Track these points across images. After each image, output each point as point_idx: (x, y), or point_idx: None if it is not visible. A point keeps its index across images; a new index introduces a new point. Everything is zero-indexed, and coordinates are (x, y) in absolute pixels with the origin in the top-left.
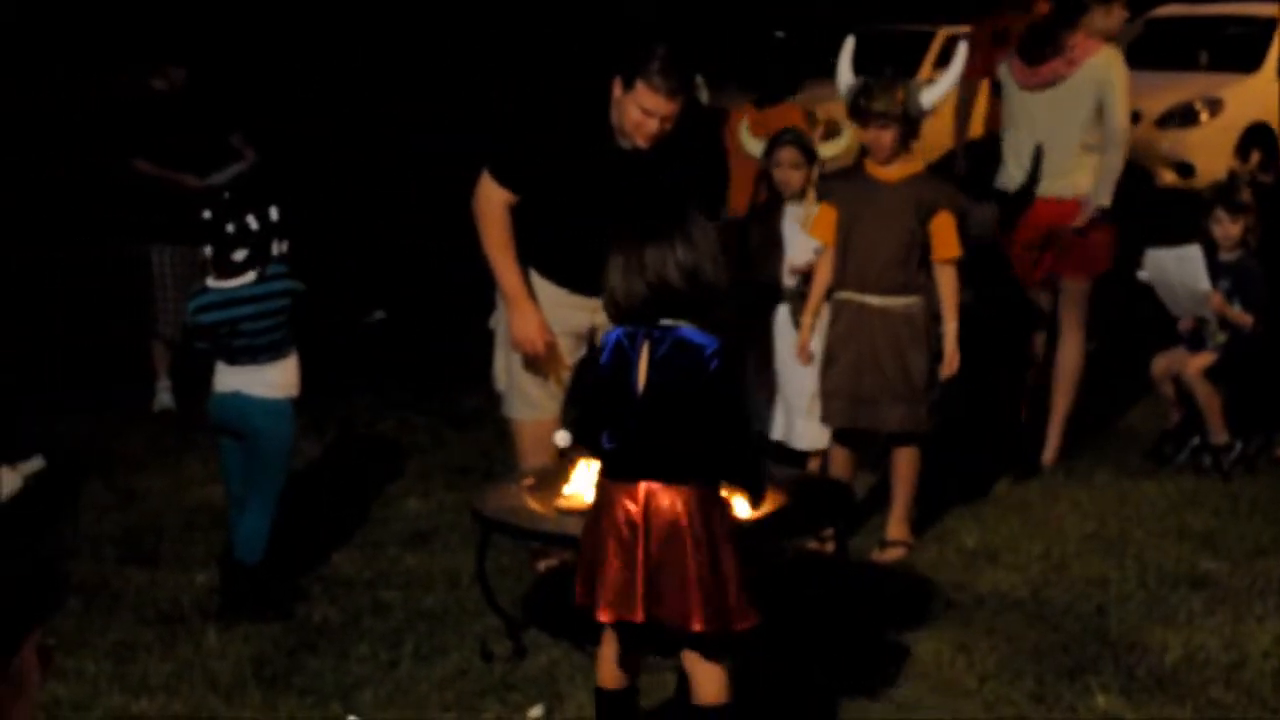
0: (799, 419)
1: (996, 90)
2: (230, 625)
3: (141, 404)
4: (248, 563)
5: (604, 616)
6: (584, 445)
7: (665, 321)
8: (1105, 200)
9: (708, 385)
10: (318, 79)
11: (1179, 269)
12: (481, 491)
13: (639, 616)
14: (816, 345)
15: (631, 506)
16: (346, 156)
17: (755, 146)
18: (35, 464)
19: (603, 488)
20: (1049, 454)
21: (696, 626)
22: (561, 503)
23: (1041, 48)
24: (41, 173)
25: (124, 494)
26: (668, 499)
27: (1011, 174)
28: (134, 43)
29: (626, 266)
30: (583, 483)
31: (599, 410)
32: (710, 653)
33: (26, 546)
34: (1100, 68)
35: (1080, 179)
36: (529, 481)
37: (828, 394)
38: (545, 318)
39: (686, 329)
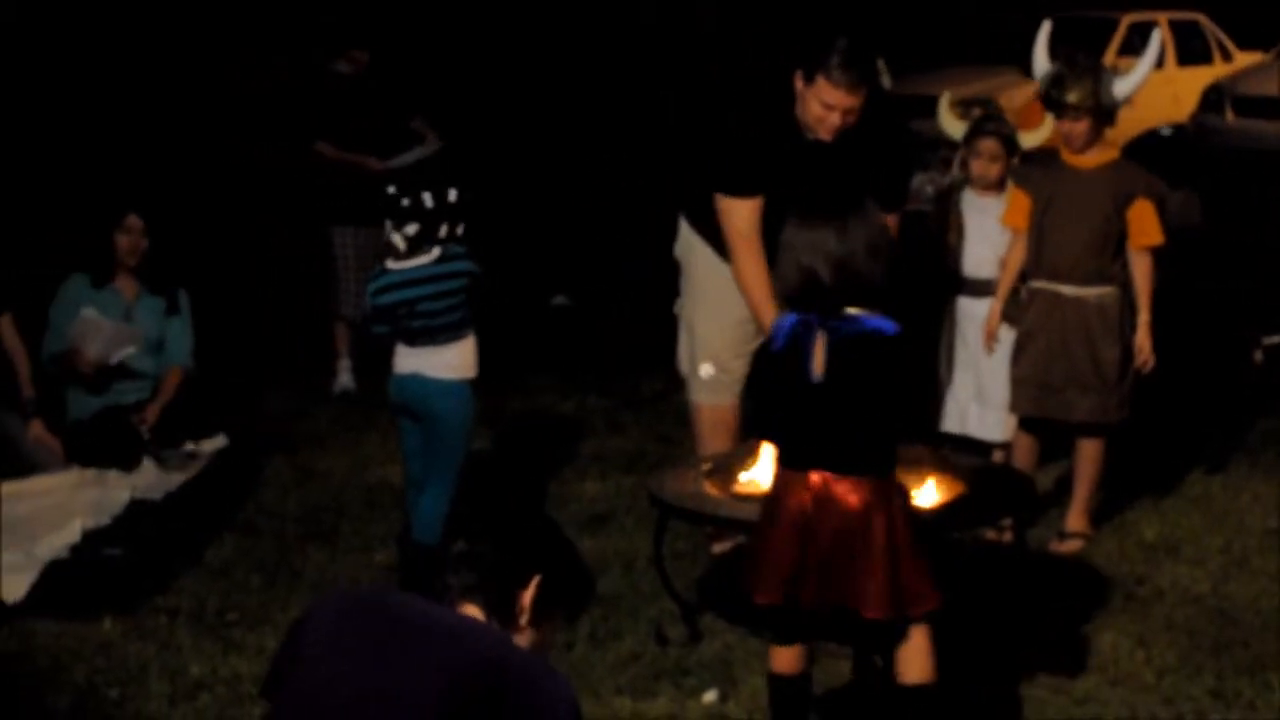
0: (984, 409)
1: None
2: None
3: (323, 384)
4: (426, 543)
5: (762, 599)
6: (761, 433)
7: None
8: None
9: (884, 372)
10: (503, 62)
11: None
12: (659, 475)
13: (808, 602)
14: (1006, 333)
15: (805, 494)
16: (532, 140)
17: (956, 129)
18: (218, 441)
19: (779, 474)
20: None
21: (873, 613)
22: (739, 488)
23: None
24: (226, 155)
25: (305, 472)
26: (843, 487)
27: None
28: (318, 26)
29: (786, 256)
30: (761, 469)
31: (774, 398)
32: (892, 638)
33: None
34: None
35: None
36: (707, 466)
37: (1017, 381)
38: (736, 306)
39: (865, 317)
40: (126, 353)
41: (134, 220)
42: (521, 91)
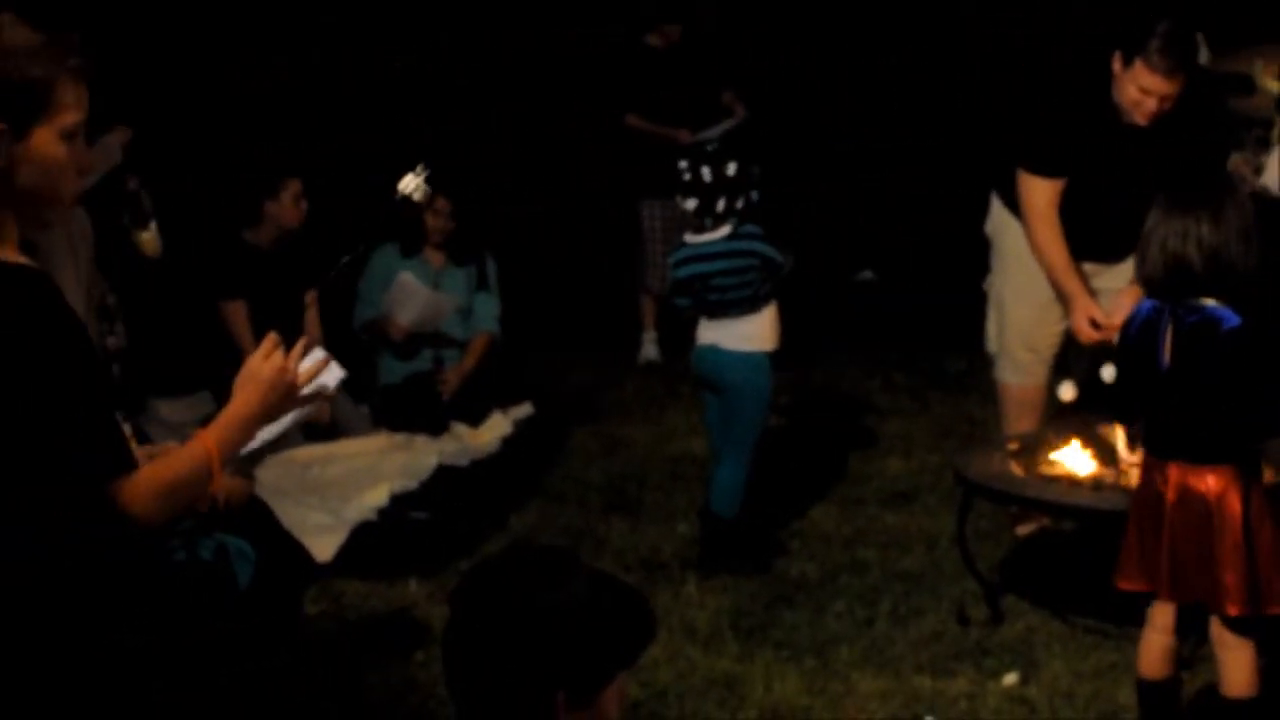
0: None
1: None
2: (709, 576)
3: (629, 355)
4: (724, 515)
5: (1122, 584)
6: (1115, 415)
7: (1194, 300)
8: None
9: (1228, 364)
10: (813, 38)
11: None
12: (965, 454)
13: (1165, 595)
14: None
15: (1160, 482)
16: (838, 114)
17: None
18: (525, 410)
19: (1145, 460)
20: None
21: (1231, 610)
22: (1045, 468)
23: None
24: (535, 127)
25: (610, 442)
26: (1196, 477)
27: None
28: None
29: (1151, 240)
30: (1069, 451)
31: (1128, 383)
32: (1239, 637)
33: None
34: None
35: None
36: (1013, 445)
37: None
38: (1047, 285)
39: (1213, 306)
40: (438, 322)
41: (443, 203)
42: (831, 64)
